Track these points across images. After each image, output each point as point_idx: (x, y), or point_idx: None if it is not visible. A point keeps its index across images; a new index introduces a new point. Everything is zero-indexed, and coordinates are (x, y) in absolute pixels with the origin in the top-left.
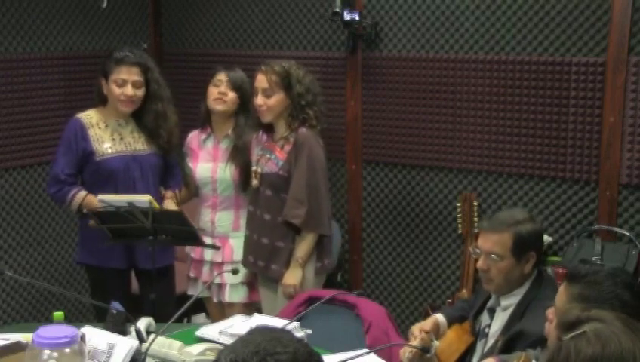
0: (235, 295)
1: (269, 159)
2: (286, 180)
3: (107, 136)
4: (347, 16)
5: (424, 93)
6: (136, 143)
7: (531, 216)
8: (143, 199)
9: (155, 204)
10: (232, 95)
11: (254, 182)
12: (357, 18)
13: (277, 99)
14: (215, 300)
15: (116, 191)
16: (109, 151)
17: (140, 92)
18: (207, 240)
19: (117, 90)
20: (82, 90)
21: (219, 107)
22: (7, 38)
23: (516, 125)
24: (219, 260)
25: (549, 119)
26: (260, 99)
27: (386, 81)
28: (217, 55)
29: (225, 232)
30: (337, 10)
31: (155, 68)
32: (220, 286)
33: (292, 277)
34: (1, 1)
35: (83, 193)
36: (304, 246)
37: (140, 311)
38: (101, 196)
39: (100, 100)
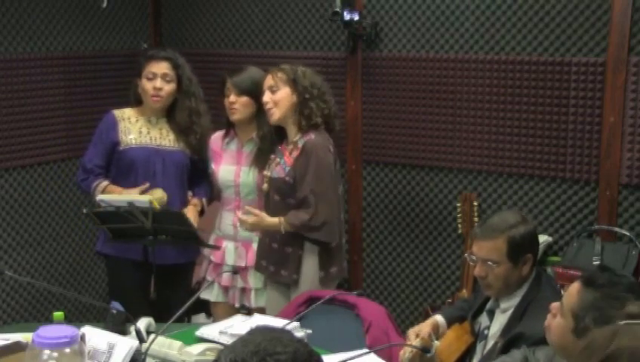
0: (260, 299)
1: (278, 163)
2: (291, 186)
3: (135, 129)
4: (347, 16)
5: (424, 93)
6: (163, 139)
7: (524, 217)
8: (143, 199)
9: (155, 204)
10: (242, 100)
11: (264, 185)
12: (357, 18)
13: (283, 93)
14: (237, 305)
15: (136, 183)
16: (133, 142)
17: (169, 86)
18: (230, 244)
19: (147, 85)
20: (82, 90)
21: (234, 117)
22: (7, 38)
23: (516, 125)
24: (243, 264)
25: (549, 119)
26: (266, 96)
27: (386, 81)
28: (217, 55)
29: (248, 236)
30: (337, 10)
31: (187, 66)
32: (244, 291)
33: (263, 220)
34: (1, 1)
35: (105, 183)
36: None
37: (155, 309)
38: (101, 196)
39: (135, 100)
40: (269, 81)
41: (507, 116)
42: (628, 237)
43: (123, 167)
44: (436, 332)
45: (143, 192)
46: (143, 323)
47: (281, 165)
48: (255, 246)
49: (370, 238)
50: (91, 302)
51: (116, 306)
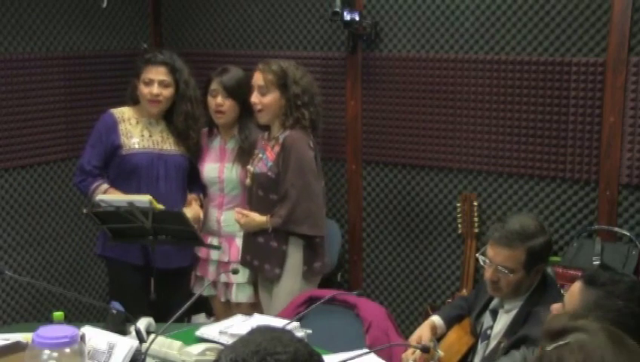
0: (241, 294)
1: (260, 159)
2: (273, 181)
3: (136, 132)
4: (347, 16)
5: (424, 93)
6: (164, 143)
7: (542, 225)
8: (143, 199)
9: (155, 204)
10: (228, 103)
11: (247, 181)
12: (357, 18)
13: (272, 97)
14: (222, 299)
15: (139, 187)
16: (136, 146)
17: (167, 91)
18: (214, 239)
19: (144, 90)
20: (82, 90)
21: (220, 121)
22: (7, 38)
23: (516, 125)
24: (225, 259)
25: (549, 119)
26: (255, 97)
27: (386, 81)
28: (217, 55)
29: (231, 232)
30: (337, 10)
31: (185, 69)
32: (227, 286)
33: (250, 219)
34: (1, 1)
35: (105, 186)
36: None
37: (155, 310)
38: (101, 196)
39: (131, 100)
40: (258, 80)
41: (507, 116)
42: (628, 237)
43: (125, 170)
44: (435, 334)
45: None
46: (143, 323)
47: (263, 160)
48: (238, 241)
49: (370, 238)
50: (91, 302)
51: (116, 306)
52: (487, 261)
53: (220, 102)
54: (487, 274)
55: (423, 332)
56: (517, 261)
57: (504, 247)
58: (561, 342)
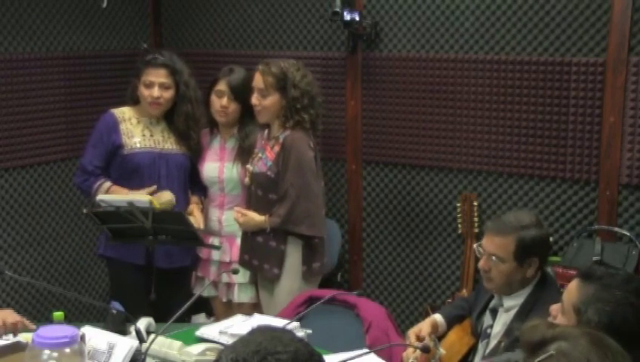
0: (243, 295)
1: (260, 158)
2: (273, 181)
3: (137, 131)
4: (347, 16)
5: (424, 93)
6: (166, 142)
7: (538, 220)
8: (143, 199)
9: (155, 204)
10: (233, 106)
11: (246, 180)
12: (357, 18)
13: (272, 100)
14: (224, 299)
15: (141, 187)
16: (138, 145)
17: (168, 94)
18: (215, 239)
19: (145, 92)
20: (82, 90)
21: (222, 120)
22: (7, 38)
23: (516, 125)
24: (227, 259)
25: (549, 119)
26: (255, 99)
27: (385, 81)
28: (217, 55)
29: (232, 231)
30: (337, 10)
31: (185, 70)
32: (229, 286)
33: (249, 218)
34: (1, 1)
35: (108, 184)
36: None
37: (155, 310)
38: (101, 196)
39: (132, 100)
40: (258, 82)
41: (507, 116)
42: (628, 237)
43: (127, 170)
44: (435, 332)
45: (151, 194)
46: (143, 323)
47: (263, 160)
48: (239, 241)
49: (370, 238)
50: (91, 302)
51: (116, 306)
52: (481, 250)
53: (225, 105)
54: (480, 262)
55: (423, 326)
56: (507, 250)
57: (496, 235)
58: (544, 355)
